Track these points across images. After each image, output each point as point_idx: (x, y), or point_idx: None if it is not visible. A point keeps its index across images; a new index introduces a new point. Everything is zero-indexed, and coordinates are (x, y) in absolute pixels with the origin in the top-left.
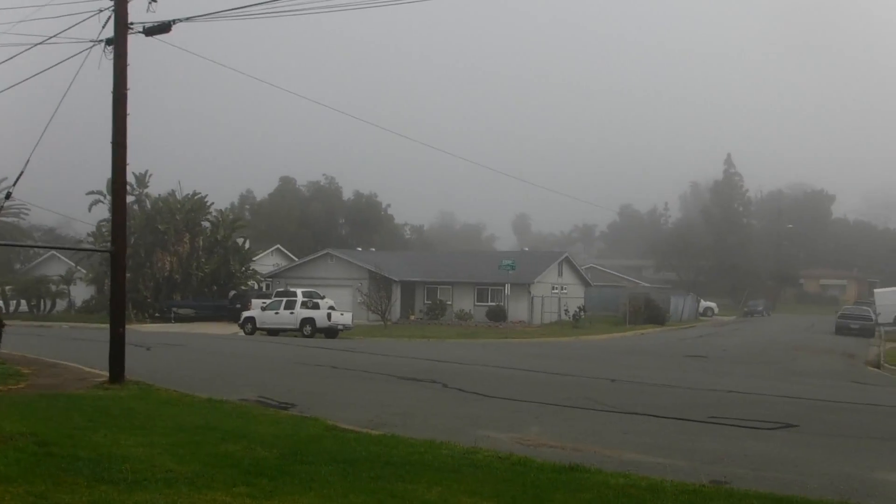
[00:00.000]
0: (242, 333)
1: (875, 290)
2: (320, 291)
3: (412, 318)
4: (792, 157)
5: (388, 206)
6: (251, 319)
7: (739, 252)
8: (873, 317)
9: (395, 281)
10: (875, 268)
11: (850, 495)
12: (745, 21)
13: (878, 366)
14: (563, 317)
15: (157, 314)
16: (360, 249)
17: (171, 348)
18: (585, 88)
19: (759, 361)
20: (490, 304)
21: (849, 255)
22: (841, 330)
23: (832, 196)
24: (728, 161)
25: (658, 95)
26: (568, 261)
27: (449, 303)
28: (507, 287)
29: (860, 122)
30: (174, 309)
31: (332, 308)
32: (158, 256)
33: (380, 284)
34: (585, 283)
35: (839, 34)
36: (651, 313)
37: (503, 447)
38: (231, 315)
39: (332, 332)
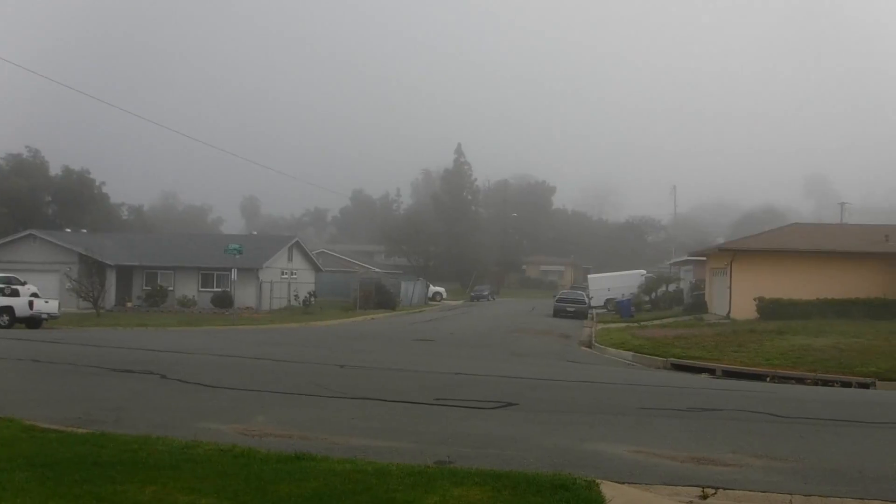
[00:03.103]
0: None
1: (589, 276)
2: (21, 277)
3: (129, 305)
4: (517, 149)
5: (103, 183)
6: None
7: (468, 238)
8: (587, 300)
9: (109, 265)
10: (589, 254)
11: (563, 466)
12: (475, 17)
13: (589, 345)
14: (293, 302)
15: None
16: (69, 231)
17: None
18: (320, 72)
19: (483, 344)
20: (216, 289)
21: (567, 242)
22: (558, 313)
23: (553, 187)
24: (458, 151)
25: (392, 83)
26: (298, 245)
27: (171, 289)
28: (234, 272)
29: (579, 117)
30: None
31: (34, 295)
32: None
33: (92, 269)
34: (316, 269)
35: (561, 32)
36: (381, 298)
37: (226, 439)
38: None
39: (34, 321)
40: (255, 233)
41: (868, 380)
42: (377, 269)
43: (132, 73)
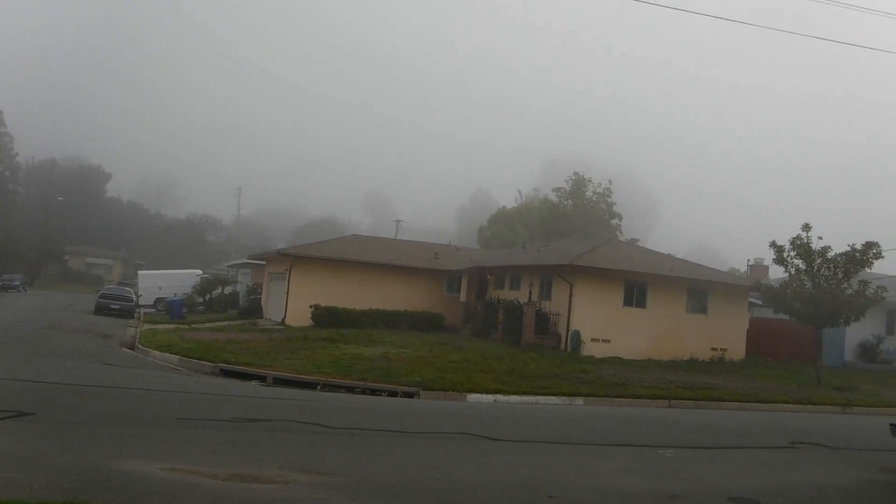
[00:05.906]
0: None
1: (139, 272)
2: None
3: None
4: (72, 128)
5: None
6: None
7: (0, 220)
8: (135, 298)
9: None
10: (144, 250)
11: (81, 491)
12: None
13: (132, 347)
14: None
15: None
16: None
17: None
18: None
19: (2, 341)
20: None
21: (119, 235)
22: (101, 310)
23: (109, 174)
24: None
25: None
26: None
27: None
28: None
29: (142, 101)
30: None
31: None
32: None
33: None
34: None
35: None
36: None
37: None
38: None
39: None
40: None
41: (413, 389)
42: None
43: None
